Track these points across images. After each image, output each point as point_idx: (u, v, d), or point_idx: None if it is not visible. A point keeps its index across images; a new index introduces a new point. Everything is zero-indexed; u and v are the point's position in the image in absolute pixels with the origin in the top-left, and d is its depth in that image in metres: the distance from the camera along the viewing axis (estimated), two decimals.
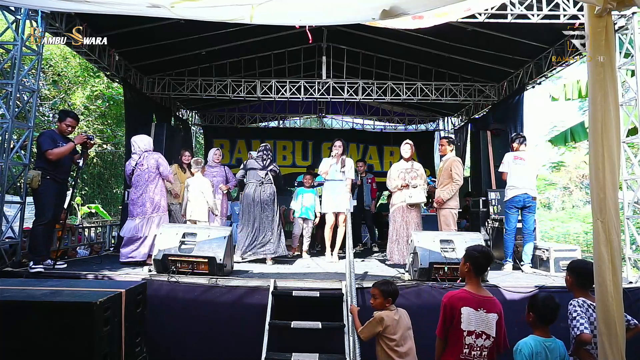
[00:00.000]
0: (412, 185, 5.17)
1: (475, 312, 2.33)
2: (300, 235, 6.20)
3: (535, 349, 2.28)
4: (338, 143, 5.69)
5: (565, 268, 2.75)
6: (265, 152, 5.51)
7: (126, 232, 4.87)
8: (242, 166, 5.63)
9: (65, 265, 4.53)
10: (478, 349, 2.31)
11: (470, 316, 2.32)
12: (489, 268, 2.51)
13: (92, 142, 4.70)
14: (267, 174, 5.38)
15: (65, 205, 5.02)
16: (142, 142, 5.02)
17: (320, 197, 6.21)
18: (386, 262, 5.51)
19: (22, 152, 4.61)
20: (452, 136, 10.33)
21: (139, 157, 4.94)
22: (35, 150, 5.02)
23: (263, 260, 5.25)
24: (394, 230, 5.22)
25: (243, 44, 7.57)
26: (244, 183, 5.52)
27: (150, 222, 4.82)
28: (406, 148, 5.40)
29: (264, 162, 5.43)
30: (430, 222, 5.93)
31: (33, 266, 4.17)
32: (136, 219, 4.83)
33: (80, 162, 4.71)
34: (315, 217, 6.25)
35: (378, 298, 2.82)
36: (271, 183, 5.42)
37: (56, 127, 4.72)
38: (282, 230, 5.42)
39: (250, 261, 5.32)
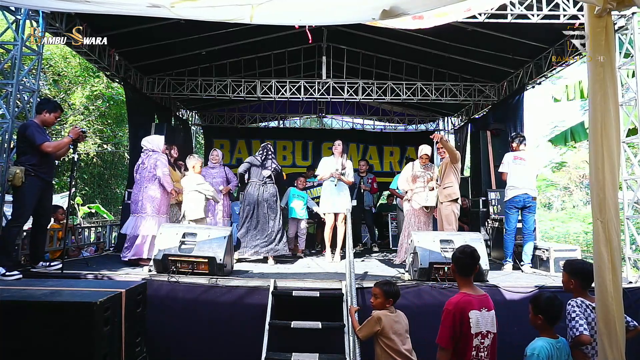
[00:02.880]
0: (428, 188, 5.32)
1: (480, 314, 2.32)
2: (295, 236, 6.26)
3: (550, 352, 2.27)
4: (338, 142, 5.74)
5: (563, 268, 2.74)
6: (266, 150, 5.52)
7: (124, 230, 4.94)
8: (245, 162, 5.56)
9: (61, 266, 4.21)
10: (483, 349, 2.30)
11: (478, 319, 2.30)
12: (477, 267, 2.52)
13: (85, 135, 4.45)
14: (270, 175, 5.40)
15: (65, 205, 5.00)
16: (148, 142, 5.06)
17: (315, 198, 6.26)
18: (394, 262, 5.55)
19: None
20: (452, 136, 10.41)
21: (146, 157, 4.97)
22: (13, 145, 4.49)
23: (264, 260, 5.27)
24: (407, 230, 5.30)
25: (243, 44, 7.57)
26: (244, 179, 5.49)
27: (146, 221, 4.77)
28: (426, 150, 5.57)
29: (265, 161, 5.45)
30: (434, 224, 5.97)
31: (7, 273, 3.70)
32: (133, 217, 4.85)
33: (75, 156, 4.50)
34: (309, 216, 6.32)
35: (379, 298, 2.82)
36: (273, 183, 5.45)
37: (34, 117, 4.25)
38: (284, 229, 5.45)
39: (251, 260, 5.33)
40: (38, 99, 4.71)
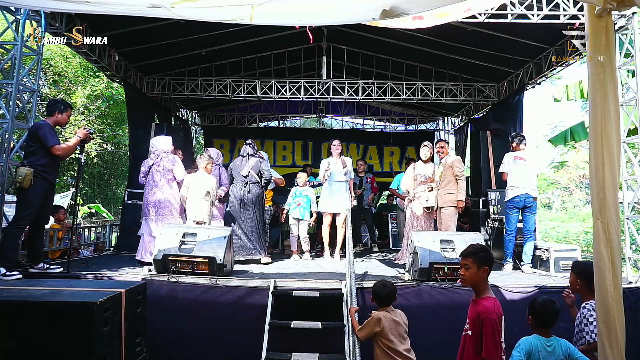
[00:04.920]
0: (428, 189, 5.32)
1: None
2: (297, 236, 6.16)
3: (535, 347, 2.28)
4: (337, 142, 5.70)
5: (571, 269, 2.73)
6: (247, 148, 5.45)
7: (140, 234, 4.95)
8: (229, 169, 5.54)
9: (61, 270, 4.22)
10: None
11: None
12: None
13: (92, 136, 4.48)
14: (248, 174, 5.29)
15: (66, 205, 5.00)
16: (159, 144, 5.07)
17: (318, 197, 6.19)
18: (398, 263, 5.53)
19: (22, 152, 4.59)
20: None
21: (157, 158, 4.97)
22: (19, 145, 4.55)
23: (257, 261, 5.18)
24: (408, 232, 5.32)
25: (243, 44, 7.57)
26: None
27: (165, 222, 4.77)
28: (424, 150, 5.53)
29: (243, 159, 5.37)
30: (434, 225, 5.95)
31: (7, 273, 3.73)
32: (145, 220, 4.86)
33: (82, 157, 4.49)
34: (311, 216, 6.19)
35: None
36: (256, 183, 5.33)
37: (44, 118, 4.26)
38: (267, 231, 5.33)
39: (244, 262, 5.24)
40: (38, 99, 4.71)
